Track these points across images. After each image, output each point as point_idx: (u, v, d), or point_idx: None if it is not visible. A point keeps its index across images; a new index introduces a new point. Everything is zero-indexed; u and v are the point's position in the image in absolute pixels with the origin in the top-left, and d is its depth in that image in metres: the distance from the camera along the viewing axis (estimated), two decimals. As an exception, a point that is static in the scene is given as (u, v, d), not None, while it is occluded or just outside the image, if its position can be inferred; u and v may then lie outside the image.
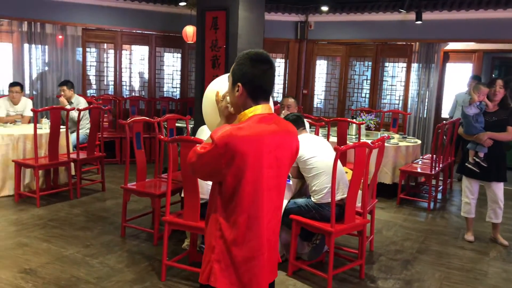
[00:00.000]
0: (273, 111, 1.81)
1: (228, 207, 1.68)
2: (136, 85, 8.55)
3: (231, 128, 1.62)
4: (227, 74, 2.05)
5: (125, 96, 8.25)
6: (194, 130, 5.63)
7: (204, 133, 3.66)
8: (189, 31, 6.86)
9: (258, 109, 1.71)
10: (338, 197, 3.45)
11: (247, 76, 1.70)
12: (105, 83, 8.30)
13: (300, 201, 3.61)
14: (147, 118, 4.67)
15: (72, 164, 5.52)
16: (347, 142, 5.47)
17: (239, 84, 1.70)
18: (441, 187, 6.29)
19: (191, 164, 1.70)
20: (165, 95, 8.71)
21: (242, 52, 1.76)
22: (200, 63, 6.26)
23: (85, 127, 6.31)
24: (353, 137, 6.22)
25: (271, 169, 1.70)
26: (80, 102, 6.41)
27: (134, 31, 8.14)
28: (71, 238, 4.15)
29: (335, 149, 3.24)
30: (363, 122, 5.77)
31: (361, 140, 5.39)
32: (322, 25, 8.38)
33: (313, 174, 3.53)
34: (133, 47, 8.35)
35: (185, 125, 5.60)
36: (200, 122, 5.85)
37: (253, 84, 1.70)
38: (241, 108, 1.74)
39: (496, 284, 3.67)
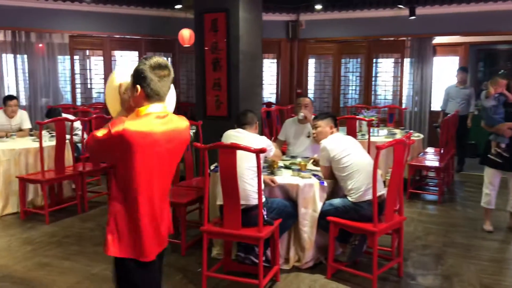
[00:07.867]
0: (171, 111, 2.12)
1: (119, 186, 1.99)
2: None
3: (127, 122, 1.87)
4: (131, 68, 2.17)
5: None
6: (196, 135, 5.45)
7: (230, 138, 3.54)
8: (186, 34, 6.69)
9: (151, 107, 1.96)
10: (377, 194, 3.40)
11: (145, 80, 1.93)
12: (96, 91, 8.03)
13: (336, 202, 3.54)
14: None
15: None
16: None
17: (138, 86, 1.94)
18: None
19: (89, 147, 1.99)
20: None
21: (142, 57, 2.05)
22: (200, 67, 6.11)
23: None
24: (360, 134, 6.18)
25: (162, 159, 2.00)
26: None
27: (123, 36, 7.91)
28: (93, 254, 3.94)
29: (376, 147, 3.18)
30: (372, 119, 5.76)
31: (371, 138, 5.39)
32: (313, 24, 8.36)
33: (348, 173, 3.48)
34: (123, 52, 8.11)
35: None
36: (205, 126, 5.70)
37: (150, 88, 1.94)
38: (137, 105, 1.99)
39: (530, 273, 3.72)
